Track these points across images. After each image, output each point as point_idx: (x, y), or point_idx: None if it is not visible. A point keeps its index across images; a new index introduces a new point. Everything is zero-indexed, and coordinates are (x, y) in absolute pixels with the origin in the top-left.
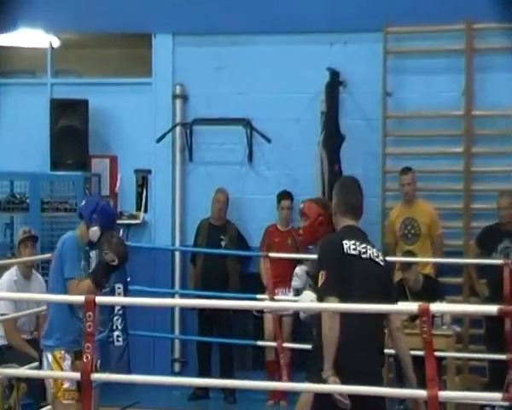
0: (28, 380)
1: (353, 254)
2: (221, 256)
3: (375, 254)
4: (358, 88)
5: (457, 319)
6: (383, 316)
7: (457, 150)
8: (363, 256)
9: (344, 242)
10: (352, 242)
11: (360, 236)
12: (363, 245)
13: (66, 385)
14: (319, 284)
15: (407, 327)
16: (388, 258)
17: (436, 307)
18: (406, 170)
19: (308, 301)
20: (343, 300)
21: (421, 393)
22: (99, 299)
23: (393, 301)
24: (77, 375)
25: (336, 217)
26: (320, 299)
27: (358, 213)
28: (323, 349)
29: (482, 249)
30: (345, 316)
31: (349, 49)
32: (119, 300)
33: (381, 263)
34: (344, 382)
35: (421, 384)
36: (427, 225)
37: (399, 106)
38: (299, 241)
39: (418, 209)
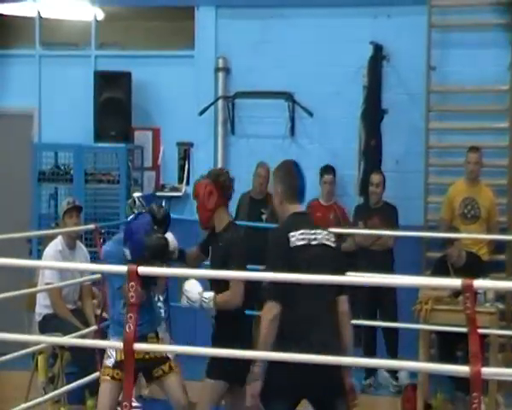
0: (72, 349)
1: (301, 245)
2: (262, 230)
3: (326, 237)
4: (402, 62)
5: (501, 296)
6: (335, 296)
7: (502, 126)
8: (313, 243)
9: (290, 234)
10: (300, 231)
11: (309, 221)
12: (313, 231)
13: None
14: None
15: (450, 303)
16: (431, 234)
17: (480, 282)
18: (474, 148)
19: (195, 291)
20: (288, 301)
21: (464, 369)
22: (141, 269)
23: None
24: (120, 344)
25: (283, 205)
26: (263, 300)
27: (303, 198)
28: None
29: None
30: (299, 299)
31: (393, 22)
32: (161, 271)
33: (333, 245)
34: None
35: (466, 361)
36: (487, 210)
37: (443, 80)
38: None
39: (480, 191)
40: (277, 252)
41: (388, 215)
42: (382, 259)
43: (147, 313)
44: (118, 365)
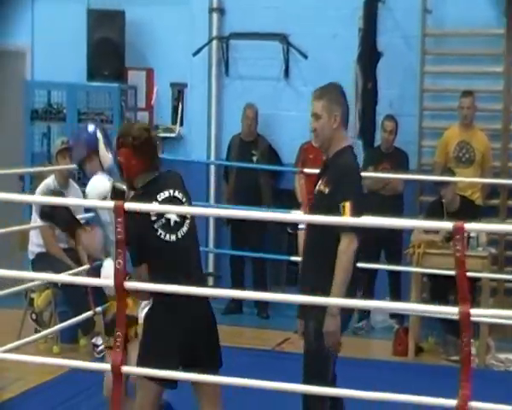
0: (64, 288)
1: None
2: (253, 171)
3: None
4: (398, 4)
5: (493, 241)
6: None
7: (497, 70)
8: None
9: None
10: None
11: None
12: None
13: None
14: (346, 215)
15: (442, 247)
16: (426, 177)
17: (471, 225)
18: (467, 93)
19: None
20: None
21: (454, 310)
22: (128, 205)
23: None
24: (111, 282)
25: (338, 130)
26: (342, 230)
27: None
28: (337, 282)
29: None
30: None
31: None
32: (150, 207)
33: None
34: None
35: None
36: (481, 154)
37: (439, 24)
38: None
39: (475, 135)
40: (358, 184)
41: (399, 161)
42: (392, 204)
43: None
44: None
